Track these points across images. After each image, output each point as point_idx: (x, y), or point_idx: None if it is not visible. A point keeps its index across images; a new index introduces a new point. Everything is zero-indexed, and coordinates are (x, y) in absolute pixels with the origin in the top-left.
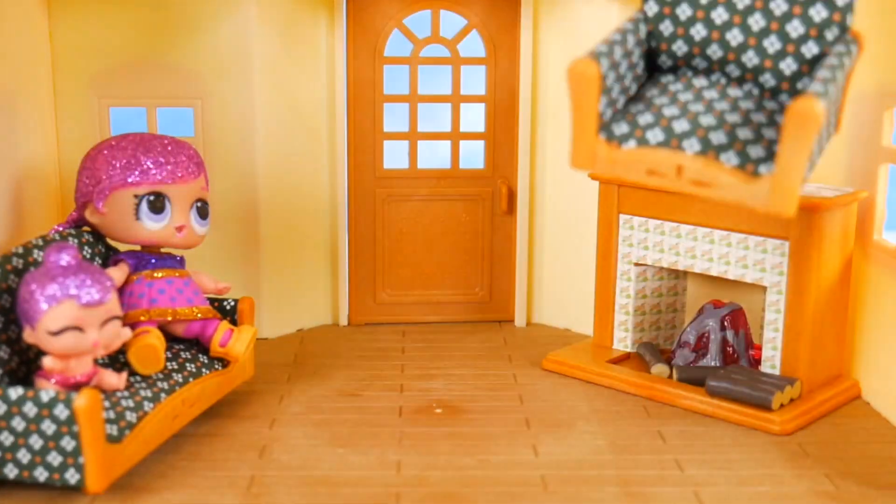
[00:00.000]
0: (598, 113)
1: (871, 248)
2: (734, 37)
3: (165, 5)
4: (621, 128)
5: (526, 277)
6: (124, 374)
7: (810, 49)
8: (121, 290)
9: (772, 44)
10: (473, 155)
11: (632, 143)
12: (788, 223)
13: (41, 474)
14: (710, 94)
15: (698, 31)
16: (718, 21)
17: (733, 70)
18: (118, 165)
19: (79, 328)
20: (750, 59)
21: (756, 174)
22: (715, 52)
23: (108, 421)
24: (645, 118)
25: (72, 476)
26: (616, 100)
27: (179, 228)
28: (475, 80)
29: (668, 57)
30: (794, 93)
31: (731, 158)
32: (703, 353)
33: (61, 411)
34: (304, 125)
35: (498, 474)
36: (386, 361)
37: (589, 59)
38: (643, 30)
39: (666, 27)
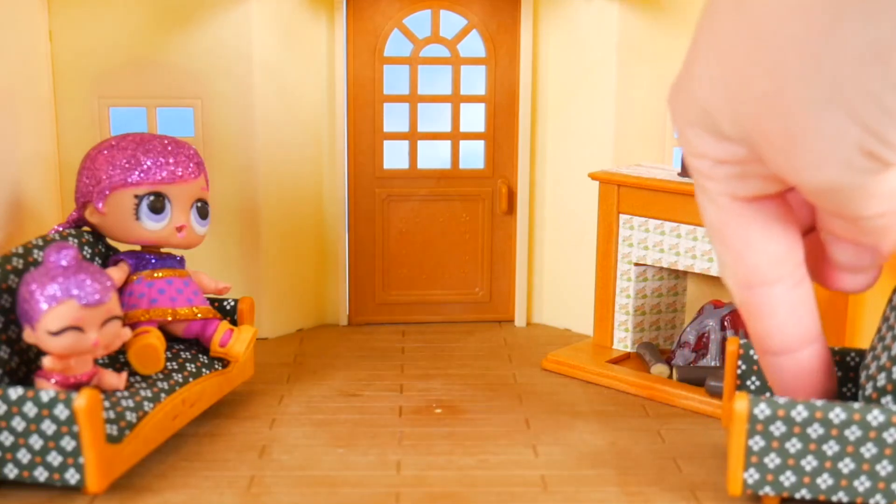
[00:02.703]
0: None
1: None
2: None
3: (165, 5)
4: None
5: (526, 277)
6: (124, 374)
7: None
8: (121, 290)
9: None
10: (473, 155)
11: None
12: None
13: (41, 474)
14: None
15: None
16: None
17: None
18: (118, 165)
19: (79, 328)
20: None
21: None
22: None
23: (108, 421)
24: None
25: (72, 476)
26: None
27: (179, 228)
28: (475, 80)
29: None
30: None
31: None
32: (703, 353)
33: (61, 411)
34: (304, 125)
35: (498, 474)
36: (386, 361)
37: None
38: None
39: None
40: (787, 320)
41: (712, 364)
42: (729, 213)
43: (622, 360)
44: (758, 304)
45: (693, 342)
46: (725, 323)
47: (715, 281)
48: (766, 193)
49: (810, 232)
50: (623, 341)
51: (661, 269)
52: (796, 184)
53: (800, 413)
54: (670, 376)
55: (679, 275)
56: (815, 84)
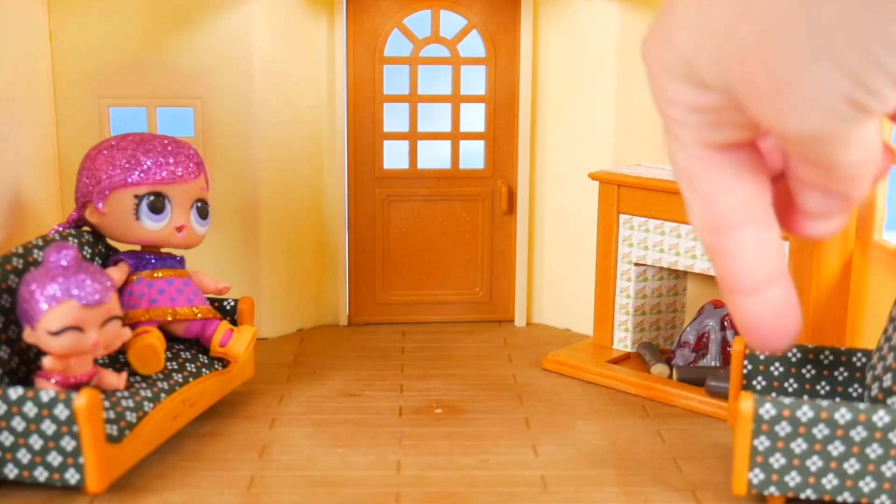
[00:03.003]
0: None
1: (871, 248)
2: None
3: (165, 5)
4: None
5: (526, 277)
6: (124, 374)
7: None
8: (121, 290)
9: None
10: (473, 155)
11: None
12: None
13: (41, 474)
14: None
15: None
16: None
17: None
18: (118, 165)
19: (79, 328)
20: None
21: None
22: None
23: (108, 421)
24: None
25: (72, 476)
26: None
27: (179, 228)
28: (475, 80)
29: None
30: None
31: None
32: (703, 353)
33: (61, 411)
34: (304, 125)
35: (498, 474)
36: (386, 361)
37: None
38: None
39: None
40: (753, 261)
41: (712, 364)
42: (699, 159)
43: (622, 360)
44: (725, 247)
45: (693, 342)
46: (725, 323)
47: (715, 281)
48: (739, 141)
49: (779, 178)
50: (623, 341)
51: (661, 269)
52: (778, 131)
53: (805, 413)
54: (670, 376)
55: (679, 275)
56: (803, 33)
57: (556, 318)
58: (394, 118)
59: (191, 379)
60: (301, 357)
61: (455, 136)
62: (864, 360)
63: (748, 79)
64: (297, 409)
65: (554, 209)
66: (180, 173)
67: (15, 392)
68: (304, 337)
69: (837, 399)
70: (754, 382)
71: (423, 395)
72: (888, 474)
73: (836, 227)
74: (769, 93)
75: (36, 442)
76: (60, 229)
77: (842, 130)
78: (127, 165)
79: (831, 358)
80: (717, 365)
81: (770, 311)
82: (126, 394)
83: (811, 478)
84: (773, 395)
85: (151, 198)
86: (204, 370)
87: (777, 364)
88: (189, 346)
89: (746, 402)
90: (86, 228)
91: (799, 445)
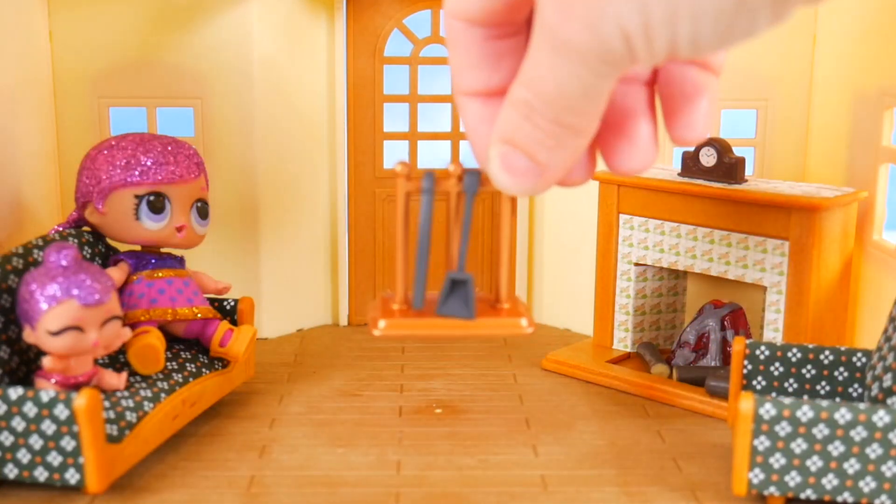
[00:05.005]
0: None
1: (871, 248)
2: None
3: (165, 5)
4: None
5: (526, 277)
6: (124, 374)
7: None
8: (121, 290)
9: None
10: None
11: None
12: (788, 223)
13: (41, 474)
14: None
15: None
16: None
17: None
18: (118, 165)
19: (79, 328)
20: None
21: None
22: None
23: (108, 421)
24: None
25: (72, 476)
26: None
27: (179, 228)
28: None
29: None
30: None
31: None
32: (703, 353)
33: (61, 411)
34: (304, 125)
35: (498, 474)
36: (386, 361)
37: None
38: None
39: None
40: (475, 127)
41: (712, 364)
42: (463, 32)
43: (622, 360)
44: (458, 104)
45: (693, 342)
46: (725, 323)
47: (715, 281)
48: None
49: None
50: (623, 341)
51: (661, 269)
52: (551, 28)
53: (805, 413)
54: (670, 376)
55: (679, 275)
56: None
57: (556, 318)
58: (394, 118)
59: (191, 379)
60: (301, 357)
61: (455, 136)
62: (864, 360)
63: None
64: (297, 409)
65: (554, 209)
66: (180, 173)
67: (15, 392)
68: (304, 337)
69: (837, 399)
70: (754, 382)
71: (423, 395)
72: (888, 474)
73: (518, 187)
74: None
75: (36, 442)
76: (60, 229)
77: (598, 73)
78: (127, 165)
79: (831, 358)
80: (717, 365)
81: (493, 168)
82: (126, 394)
83: (811, 478)
84: (773, 395)
85: (151, 198)
86: (204, 370)
87: (777, 364)
88: (189, 346)
89: (746, 402)
90: (86, 228)
91: (799, 445)
